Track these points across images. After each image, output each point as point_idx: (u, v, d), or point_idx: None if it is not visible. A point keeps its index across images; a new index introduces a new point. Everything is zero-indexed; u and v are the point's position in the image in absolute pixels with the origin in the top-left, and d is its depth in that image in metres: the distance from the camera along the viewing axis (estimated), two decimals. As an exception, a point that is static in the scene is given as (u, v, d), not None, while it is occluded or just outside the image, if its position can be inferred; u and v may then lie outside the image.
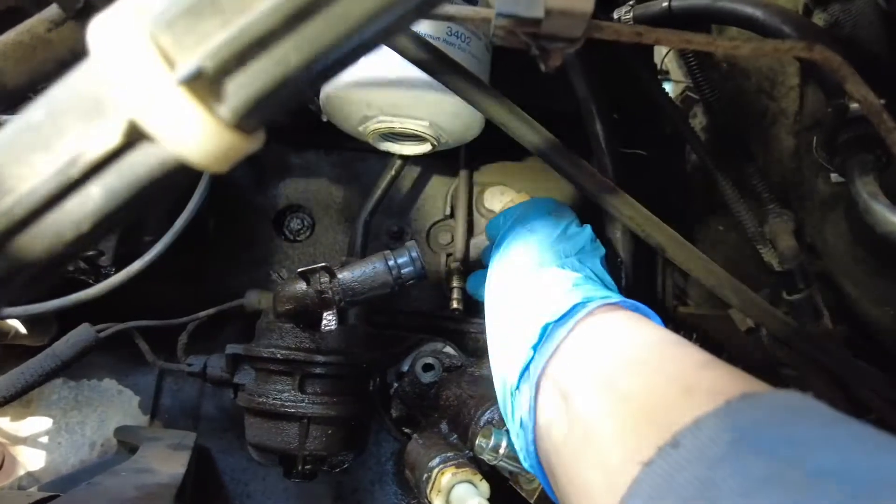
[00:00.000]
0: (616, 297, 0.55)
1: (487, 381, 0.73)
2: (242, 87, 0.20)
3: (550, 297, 0.56)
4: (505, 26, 0.35)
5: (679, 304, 1.13)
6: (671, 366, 0.44)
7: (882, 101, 0.54)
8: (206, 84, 0.20)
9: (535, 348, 0.53)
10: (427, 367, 0.78)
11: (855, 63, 0.62)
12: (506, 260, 0.66)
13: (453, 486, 0.55)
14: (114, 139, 0.21)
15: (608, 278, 0.66)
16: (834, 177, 0.56)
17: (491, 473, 0.59)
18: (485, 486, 0.56)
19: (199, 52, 0.19)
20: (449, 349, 0.91)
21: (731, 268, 0.96)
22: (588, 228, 0.70)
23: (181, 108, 0.20)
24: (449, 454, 0.59)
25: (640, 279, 0.93)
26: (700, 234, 1.11)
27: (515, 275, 0.63)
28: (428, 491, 0.56)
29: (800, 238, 0.84)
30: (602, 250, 0.70)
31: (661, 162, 1.11)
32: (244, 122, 0.21)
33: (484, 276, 0.78)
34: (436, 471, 0.57)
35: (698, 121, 1.17)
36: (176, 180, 0.22)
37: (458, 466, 0.56)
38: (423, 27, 0.67)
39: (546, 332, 0.53)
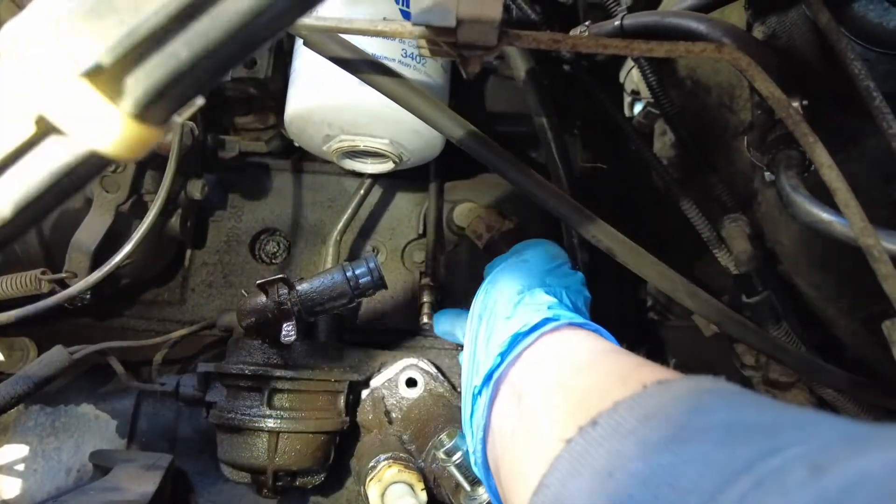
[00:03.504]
0: (582, 320, 0.59)
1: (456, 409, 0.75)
2: (140, 81, 0.22)
3: (525, 313, 0.59)
4: (425, 37, 0.38)
5: (661, 318, 1.15)
6: (613, 365, 0.48)
7: (805, 102, 0.58)
8: (107, 78, 0.22)
9: (501, 356, 0.56)
10: (410, 383, 0.79)
11: (791, 70, 0.66)
12: (494, 282, 0.70)
13: (393, 483, 0.56)
14: (27, 132, 0.23)
15: (585, 314, 0.69)
16: (767, 175, 0.59)
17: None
18: (423, 496, 0.57)
19: (99, 48, 0.22)
20: (424, 364, 0.91)
21: (713, 278, 0.99)
22: (579, 274, 0.75)
23: (85, 101, 0.22)
24: (401, 455, 0.60)
25: (608, 293, 0.95)
26: (679, 246, 1.13)
27: (499, 294, 0.66)
28: (368, 479, 0.57)
29: (759, 243, 0.87)
30: (588, 296, 0.73)
31: (631, 175, 1.14)
32: (147, 113, 0.23)
33: (450, 316, 0.82)
34: (383, 462, 0.57)
35: (668, 137, 1.20)
36: (89, 169, 0.25)
37: (405, 467, 0.57)
38: (379, 49, 0.70)
39: (513, 341, 0.56)
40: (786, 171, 0.52)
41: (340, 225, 0.95)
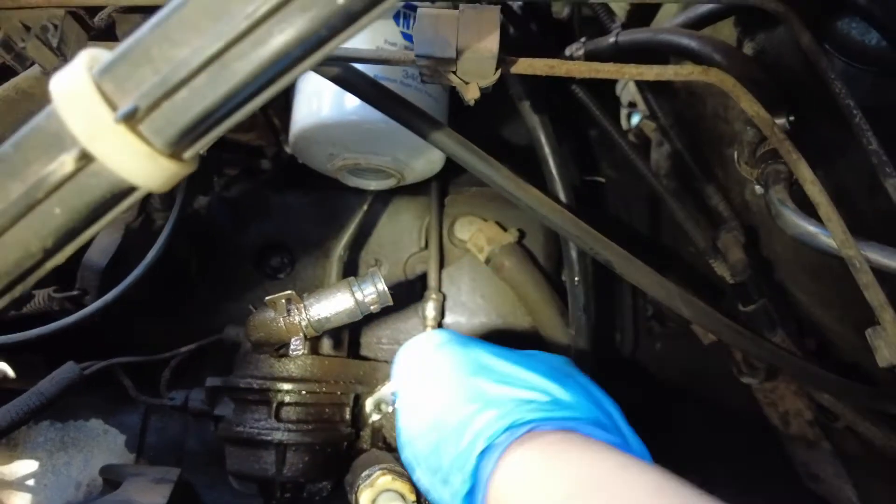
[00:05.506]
0: (564, 416, 0.49)
1: None
2: (171, 122, 0.25)
3: (482, 418, 0.50)
4: (427, 66, 0.41)
5: (658, 325, 1.17)
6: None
7: (791, 118, 0.60)
8: (141, 121, 0.25)
9: (471, 478, 0.48)
10: None
11: (779, 85, 0.68)
12: (433, 369, 0.59)
13: (385, 491, 0.56)
14: (69, 166, 0.25)
15: (582, 406, 0.54)
16: (758, 188, 0.61)
17: None
18: None
19: (134, 94, 0.24)
20: None
21: (708, 286, 1.01)
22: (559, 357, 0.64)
23: (121, 141, 0.24)
24: (399, 469, 0.61)
25: (604, 303, 0.97)
26: (675, 255, 1.15)
27: (440, 386, 0.56)
28: (360, 485, 0.58)
29: (755, 252, 0.89)
30: (582, 381, 0.59)
31: (627, 188, 1.16)
32: (176, 149, 0.26)
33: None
34: (378, 472, 0.58)
35: (664, 147, 1.23)
36: (123, 201, 0.27)
37: (400, 478, 0.59)
38: (381, 70, 0.73)
39: (476, 466, 0.48)
40: (774, 185, 0.54)
41: (344, 240, 0.97)
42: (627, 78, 0.52)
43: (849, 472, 0.90)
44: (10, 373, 0.92)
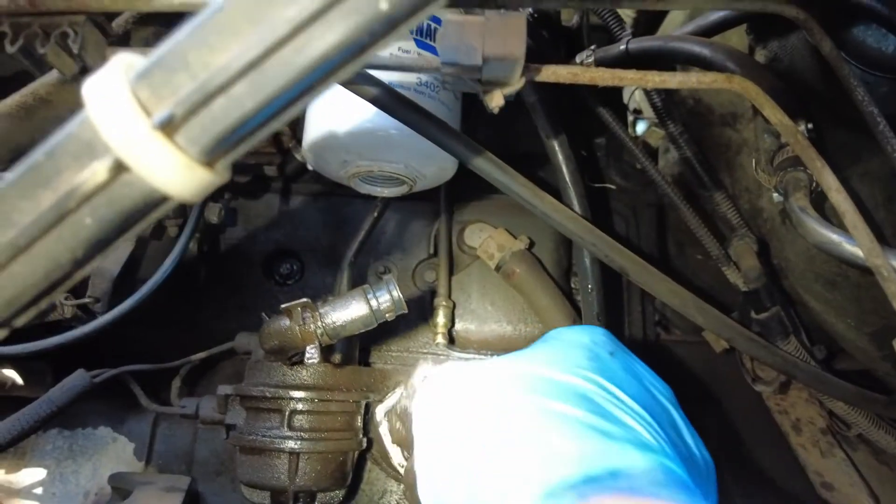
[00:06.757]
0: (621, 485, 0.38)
1: None
2: (207, 130, 0.24)
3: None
4: (451, 73, 0.40)
5: (664, 332, 1.17)
6: None
7: (810, 126, 0.60)
8: (176, 128, 0.24)
9: None
10: None
11: (792, 91, 0.68)
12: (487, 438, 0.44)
13: None
14: (102, 175, 0.25)
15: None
16: (776, 196, 0.60)
17: None
18: None
19: (171, 101, 0.24)
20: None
21: (713, 293, 1.00)
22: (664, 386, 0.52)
23: (157, 149, 0.24)
24: None
25: (613, 310, 0.97)
26: (680, 262, 1.15)
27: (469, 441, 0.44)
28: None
29: (765, 259, 0.89)
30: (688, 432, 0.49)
31: (634, 195, 1.16)
32: (210, 158, 0.25)
33: None
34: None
35: (671, 154, 1.23)
36: (157, 210, 0.26)
37: None
38: (395, 77, 0.73)
39: None
40: (794, 192, 0.54)
41: (354, 247, 0.97)
42: (650, 86, 0.52)
43: (864, 481, 0.90)
44: (19, 380, 0.92)
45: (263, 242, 1.06)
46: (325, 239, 1.07)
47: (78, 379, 0.79)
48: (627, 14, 0.99)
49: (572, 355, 0.46)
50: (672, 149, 1.23)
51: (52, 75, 0.51)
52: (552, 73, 0.44)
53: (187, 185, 0.25)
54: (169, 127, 0.24)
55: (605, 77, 0.45)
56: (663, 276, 0.72)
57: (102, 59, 0.48)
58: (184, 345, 0.93)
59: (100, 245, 0.27)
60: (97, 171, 0.25)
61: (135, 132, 0.24)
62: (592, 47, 0.90)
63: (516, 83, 0.40)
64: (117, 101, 0.24)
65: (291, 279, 1.07)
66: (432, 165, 0.81)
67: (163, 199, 0.26)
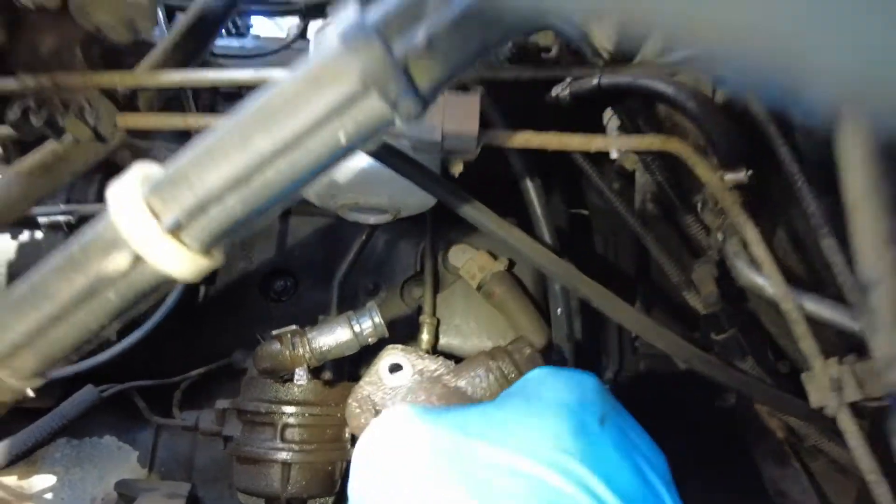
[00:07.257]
0: None
1: (462, 395, 0.68)
2: (205, 230, 0.31)
3: None
4: (416, 146, 0.47)
5: (641, 345, 1.23)
6: None
7: (749, 172, 0.66)
8: (181, 229, 0.31)
9: None
10: (394, 368, 0.72)
11: (742, 134, 0.74)
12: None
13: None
14: (124, 265, 0.32)
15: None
16: (719, 236, 0.67)
17: None
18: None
19: (177, 210, 0.30)
20: (419, 353, 0.79)
21: (688, 314, 1.06)
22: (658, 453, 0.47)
23: (166, 247, 0.31)
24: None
25: (591, 326, 1.03)
26: (660, 279, 1.21)
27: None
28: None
29: (730, 282, 0.95)
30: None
31: (614, 216, 1.22)
32: (208, 250, 0.32)
33: None
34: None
35: (647, 177, 1.29)
36: (164, 287, 0.33)
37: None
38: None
39: None
40: (730, 238, 0.60)
41: (345, 267, 1.03)
42: (594, 149, 0.59)
43: (816, 490, 0.96)
44: (30, 392, 0.98)
45: (259, 260, 1.13)
46: (318, 257, 1.14)
47: (87, 394, 0.85)
48: (604, 48, 1.05)
49: (553, 427, 0.39)
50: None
51: (68, 136, 0.58)
52: (506, 139, 0.50)
53: (189, 271, 0.32)
54: (176, 229, 0.31)
55: (552, 142, 0.51)
56: (625, 304, 0.78)
57: (113, 126, 0.54)
58: (185, 361, 0.99)
59: (120, 314, 0.33)
60: (119, 262, 0.31)
61: (149, 234, 0.31)
62: (568, 79, 0.96)
63: (474, 153, 0.47)
64: (135, 210, 0.31)
65: (286, 295, 1.13)
66: (413, 197, 0.88)
67: (170, 281, 0.32)
